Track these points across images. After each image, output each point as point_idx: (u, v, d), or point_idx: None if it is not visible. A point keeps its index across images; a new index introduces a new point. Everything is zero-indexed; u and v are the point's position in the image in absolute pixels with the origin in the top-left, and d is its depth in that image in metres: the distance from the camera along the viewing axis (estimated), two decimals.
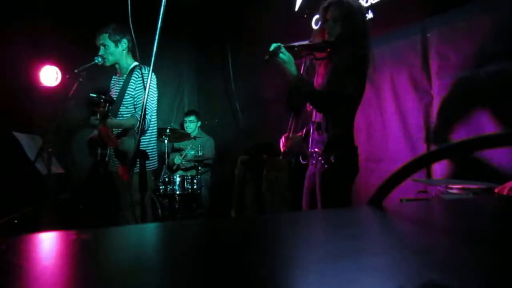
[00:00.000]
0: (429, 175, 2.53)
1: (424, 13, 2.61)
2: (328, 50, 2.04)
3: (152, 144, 2.73)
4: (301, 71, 2.07)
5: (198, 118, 4.60)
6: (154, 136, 2.75)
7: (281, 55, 1.91)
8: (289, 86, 2.05)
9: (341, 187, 1.98)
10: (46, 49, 4.03)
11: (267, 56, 1.93)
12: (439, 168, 2.48)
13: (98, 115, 2.38)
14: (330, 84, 1.95)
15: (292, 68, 1.94)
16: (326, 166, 1.95)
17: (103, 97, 2.38)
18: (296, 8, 3.74)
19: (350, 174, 2.01)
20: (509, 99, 2.14)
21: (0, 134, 3.16)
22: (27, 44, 3.89)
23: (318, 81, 2.10)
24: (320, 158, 2.00)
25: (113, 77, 2.85)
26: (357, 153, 2.02)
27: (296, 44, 2.01)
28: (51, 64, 3.98)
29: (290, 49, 1.95)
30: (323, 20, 2.06)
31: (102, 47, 2.63)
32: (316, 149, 2.03)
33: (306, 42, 2.07)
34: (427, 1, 2.63)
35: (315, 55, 2.06)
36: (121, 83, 2.70)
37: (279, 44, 1.94)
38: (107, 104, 2.36)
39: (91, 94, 2.42)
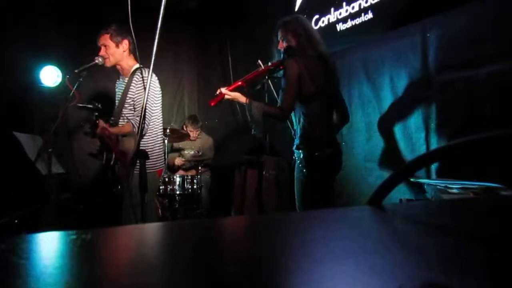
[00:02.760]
0: (429, 175, 2.53)
1: (424, 13, 2.61)
2: (281, 67, 2.35)
3: (158, 145, 2.74)
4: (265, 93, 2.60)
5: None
6: (158, 136, 2.75)
7: (226, 96, 2.29)
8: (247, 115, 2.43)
9: (312, 181, 2.23)
10: (46, 49, 4.03)
11: (213, 104, 2.34)
12: (439, 168, 2.48)
13: (89, 123, 2.41)
14: (285, 95, 2.23)
15: (240, 100, 2.32)
16: (297, 161, 2.26)
17: (90, 106, 2.41)
18: (296, 8, 3.74)
19: (321, 167, 2.25)
20: (509, 99, 2.14)
21: (0, 134, 3.16)
22: (27, 44, 3.89)
23: None
24: (294, 155, 2.30)
25: (117, 80, 2.86)
26: (331, 147, 2.28)
27: (242, 79, 2.39)
28: (51, 64, 3.98)
29: (235, 88, 2.33)
30: (277, 43, 2.42)
31: (103, 48, 2.63)
32: (293, 148, 2.33)
33: (259, 70, 2.42)
34: (427, 1, 2.63)
35: (276, 75, 2.42)
36: (123, 85, 2.70)
37: (219, 90, 2.32)
38: (95, 113, 2.39)
39: (78, 104, 2.47)
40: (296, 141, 2.29)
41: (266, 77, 2.55)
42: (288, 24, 2.36)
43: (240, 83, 2.36)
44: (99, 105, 2.51)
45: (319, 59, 2.30)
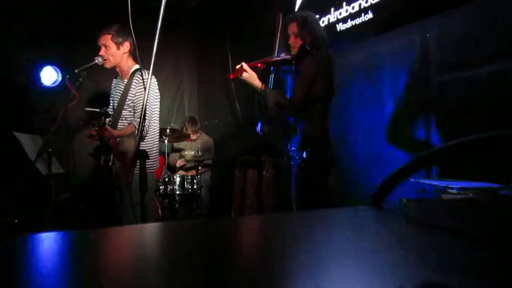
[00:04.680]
0: (429, 175, 2.53)
1: (424, 13, 2.61)
2: (293, 62, 2.36)
3: (156, 146, 2.74)
4: (270, 83, 2.47)
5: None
6: (156, 138, 2.76)
7: (244, 73, 2.26)
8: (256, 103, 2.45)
9: (314, 181, 2.26)
10: (46, 49, 4.03)
11: (232, 77, 2.35)
12: (439, 168, 2.48)
13: (96, 127, 2.40)
14: (298, 91, 2.24)
15: (256, 82, 2.30)
16: (299, 161, 2.26)
17: (98, 110, 2.40)
18: (296, 8, 3.74)
19: (323, 168, 2.30)
20: (509, 99, 2.14)
21: (0, 134, 3.16)
22: (27, 44, 3.89)
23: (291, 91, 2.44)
24: (295, 155, 2.30)
25: (114, 79, 2.85)
26: (330, 148, 2.33)
27: (260, 61, 2.35)
28: (51, 64, 3.98)
29: (253, 67, 2.30)
30: (287, 36, 2.39)
31: (103, 48, 2.62)
32: (293, 148, 2.33)
33: (274, 58, 2.40)
34: (427, 1, 2.63)
35: (282, 68, 2.42)
36: (122, 86, 2.70)
37: (241, 64, 2.29)
38: (103, 117, 2.39)
39: (86, 108, 2.46)
40: (299, 141, 2.30)
41: (273, 68, 2.52)
42: (306, 21, 2.35)
43: (259, 64, 2.34)
44: (108, 110, 2.51)
45: (328, 60, 2.33)
